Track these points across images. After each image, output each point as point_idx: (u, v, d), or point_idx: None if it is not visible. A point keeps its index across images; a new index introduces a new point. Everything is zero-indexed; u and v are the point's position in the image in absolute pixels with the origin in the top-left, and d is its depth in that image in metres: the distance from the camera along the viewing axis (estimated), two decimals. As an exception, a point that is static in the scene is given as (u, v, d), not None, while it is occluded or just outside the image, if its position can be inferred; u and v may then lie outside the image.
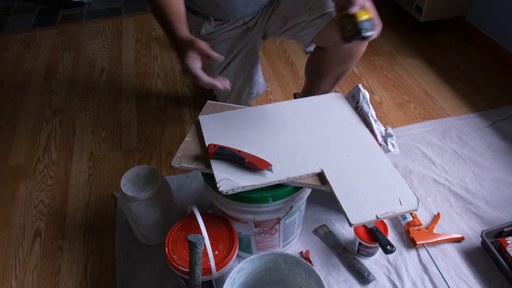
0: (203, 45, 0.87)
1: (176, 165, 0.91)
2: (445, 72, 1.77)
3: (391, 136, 0.98)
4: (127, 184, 1.04)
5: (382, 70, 1.81)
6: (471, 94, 1.65)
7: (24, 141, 1.56)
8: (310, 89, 1.40)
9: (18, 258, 1.18)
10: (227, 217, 0.99)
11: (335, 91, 1.15)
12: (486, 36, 1.81)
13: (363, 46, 1.19)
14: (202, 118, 1.02)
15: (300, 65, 1.87)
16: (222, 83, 0.88)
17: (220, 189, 0.83)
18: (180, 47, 0.89)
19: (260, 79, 1.45)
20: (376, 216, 0.78)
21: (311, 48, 1.35)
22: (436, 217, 1.19)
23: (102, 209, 1.29)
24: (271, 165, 0.87)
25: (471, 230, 1.16)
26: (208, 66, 1.35)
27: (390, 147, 0.97)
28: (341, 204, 0.80)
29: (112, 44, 2.12)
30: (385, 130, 0.99)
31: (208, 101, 1.09)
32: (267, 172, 0.86)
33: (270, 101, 1.66)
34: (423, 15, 1.89)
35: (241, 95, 1.43)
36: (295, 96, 1.61)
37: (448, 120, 1.53)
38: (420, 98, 1.65)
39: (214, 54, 0.87)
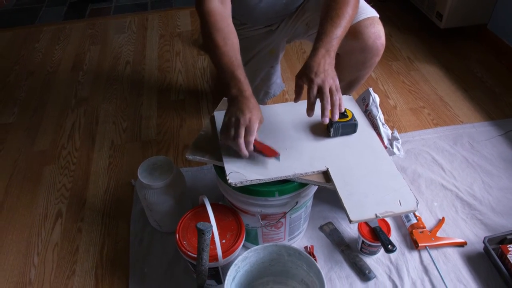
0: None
1: (190, 157, 0.97)
2: (462, 80, 1.78)
3: (397, 139, 1.01)
4: (143, 173, 1.11)
5: (398, 75, 1.83)
6: (486, 103, 1.66)
7: (50, 128, 1.65)
8: None
9: (40, 237, 1.26)
10: (236, 209, 1.04)
11: (348, 95, 1.18)
12: (507, 46, 1.81)
13: (376, 57, 1.19)
14: (216, 114, 1.07)
15: (318, 66, 1.91)
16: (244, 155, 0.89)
17: (229, 181, 0.89)
18: (250, 107, 0.88)
19: (278, 80, 1.49)
20: (376, 214, 0.82)
21: None
22: (440, 221, 1.21)
23: (120, 195, 1.36)
24: (278, 154, 0.90)
25: (475, 236, 1.19)
26: None
27: (395, 150, 1.00)
28: (343, 201, 0.84)
29: (137, 39, 2.19)
30: (392, 133, 1.03)
31: (224, 97, 1.14)
32: (274, 167, 0.91)
33: (286, 101, 1.71)
34: (444, 22, 1.90)
35: (258, 93, 1.48)
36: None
37: (461, 127, 1.55)
38: (434, 104, 1.67)
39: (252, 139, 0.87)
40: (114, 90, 1.83)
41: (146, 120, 1.66)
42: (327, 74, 0.91)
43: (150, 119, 1.66)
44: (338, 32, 0.96)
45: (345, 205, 0.84)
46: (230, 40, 0.98)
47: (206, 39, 0.99)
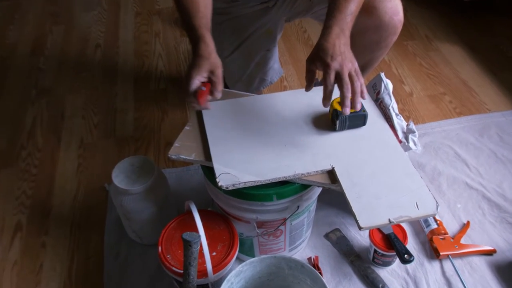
0: (220, 80, 0.96)
1: (173, 157, 0.98)
2: (490, 61, 1.80)
3: (413, 132, 1.03)
4: (119, 176, 1.11)
5: (415, 56, 1.85)
6: (518, 87, 1.68)
7: (5, 125, 1.65)
8: None
9: (-3, 253, 1.26)
10: (227, 216, 1.05)
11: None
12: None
13: (393, 36, 1.20)
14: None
15: (321, 47, 1.92)
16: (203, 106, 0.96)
17: (219, 184, 0.90)
18: (200, 58, 0.96)
19: (275, 64, 1.50)
20: (389, 220, 0.84)
21: None
22: (465, 226, 1.23)
23: (92, 203, 1.36)
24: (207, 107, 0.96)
25: (505, 242, 1.21)
26: (220, 44, 1.41)
27: (411, 144, 1.02)
28: (351, 205, 0.86)
29: (109, 17, 2.19)
30: (407, 125, 1.04)
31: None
32: (271, 167, 0.92)
33: (285, 88, 1.72)
34: (468, -7, 1.92)
35: (253, 80, 1.49)
36: (315, 83, 1.65)
37: (488, 116, 1.57)
38: (457, 90, 1.69)
39: (219, 95, 0.97)
40: (83, 79, 1.84)
41: (121, 113, 1.67)
42: (345, 57, 0.91)
43: (126, 112, 1.67)
44: (353, 7, 0.96)
45: (353, 209, 0.85)
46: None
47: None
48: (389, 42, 1.23)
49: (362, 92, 0.93)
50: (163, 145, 1.53)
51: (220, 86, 0.97)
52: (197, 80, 0.95)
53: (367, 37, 1.19)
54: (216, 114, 1.06)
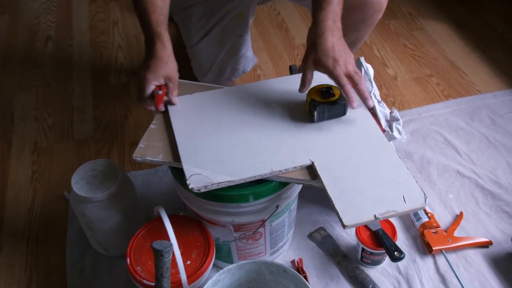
0: (175, 85, 1.05)
1: (138, 159, 0.98)
2: (478, 38, 1.84)
3: (397, 120, 1.05)
4: (79, 183, 1.11)
5: (398, 36, 1.88)
6: (509, 65, 1.72)
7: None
8: None
9: None
10: (201, 220, 1.06)
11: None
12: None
13: (379, 13, 1.24)
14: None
15: (297, 31, 1.94)
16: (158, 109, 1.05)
17: (190, 187, 0.90)
18: (156, 61, 1.02)
19: (248, 52, 1.51)
20: (375, 216, 0.86)
21: None
22: (458, 217, 1.27)
23: (50, 214, 1.35)
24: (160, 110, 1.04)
25: (501, 233, 1.24)
26: (187, 30, 1.42)
27: (395, 133, 1.04)
28: (334, 201, 0.87)
29: (60, 5, 2.17)
30: (390, 113, 1.06)
31: (178, 80, 1.15)
32: (246, 164, 0.93)
33: (258, 77, 1.73)
34: (452, -34, 1.96)
35: (224, 70, 1.49)
36: (291, 69, 1.67)
37: (478, 98, 1.61)
38: (444, 71, 1.72)
39: (176, 101, 1.06)
40: (33, 75, 1.81)
41: (79, 112, 1.66)
42: (345, 55, 0.99)
43: (85, 110, 1.66)
44: None
45: (336, 206, 0.86)
46: None
47: None
48: (375, 20, 1.26)
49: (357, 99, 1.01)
50: (128, 146, 1.53)
51: (175, 92, 1.06)
52: (153, 85, 1.02)
53: (352, 16, 1.21)
54: (183, 110, 1.07)
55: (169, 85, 1.04)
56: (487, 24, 1.90)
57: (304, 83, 1.01)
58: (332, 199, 0.88)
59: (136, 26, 2.02)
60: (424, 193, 0.89)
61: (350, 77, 0.98)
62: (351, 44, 1.34)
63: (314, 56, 0.99)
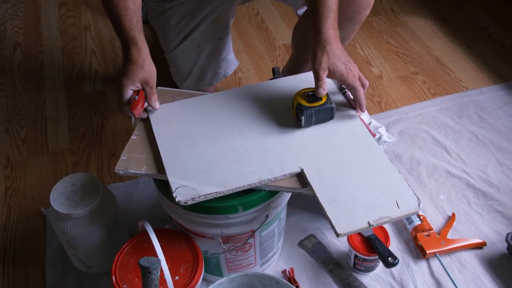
0: (154, 89, 1.05)
1: (120, 172, 0.97)
2: (462, 33, 1.87)
3: (379, 126, 1.07)
4: (59, 199, 1.10)
5: (381, 33, 1.90)
6: (495, 60, 1.75)
7: None
8: (298, 61, 1.47)
9: None
10: (188, 233, 1.06)
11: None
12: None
13: (367, 9, 1.26)
14: (151, 110, 1.08)
15: (277, 31, 1.95)
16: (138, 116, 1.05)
17: (177, 200, 0.90)
18: (132, 65, 1.03)
19: (229, 55, 1.51)
20: (368, 222, 0.87)
21: (303, 10, 1.41)
22: (450, 219, 1.29)
23: (27, 232, 1.34)
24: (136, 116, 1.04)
25: (495, 233, 1.27)
26: (164, 35, 1.41)
27: (385, 137, 1.06)
28: (326, 209, 0.88)
29: (27, 9, 2.15)
30: (369, 124, 1.08)
31: (158, 87, 1.15)
32: (233, 174, 0.94)
33: (240, 80, 1.74)
34: (433, -40, 1.99)
35: (205, 74, 1.49)
36: (274, 71, 1.68)
37: (465, 95, 1.63)
38: (430, 68, 1.75)
39: (156, 106, 1.07)
40: (2, 85, 1.79)
41: (53, 123, 1.64)
42: (352, 61, 1.05)
43: (59, 121, 1.65)
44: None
45: (328, 214, 0.87)
46: None
47: None
48: (362, 17, 1.29)
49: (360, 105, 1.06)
50: (106, 157, 1.52)
51: (154, 97, 1.06)
52: (130, 90, 1.03)
53: (340, 13, 1.22)
54: (165, 119, 1.07)
55: (147, 89, 1.04)
56: (470, 17, 1.93)
57: (322, 84, 1.03)
58: (324, 207, 0.89)
59: (109, 30, 2.01)
60: (418, 197, 0.91)
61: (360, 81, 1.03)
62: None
63: (327, 61, 1.02)
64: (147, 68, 1.03)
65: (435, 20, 1.94)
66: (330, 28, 1.04)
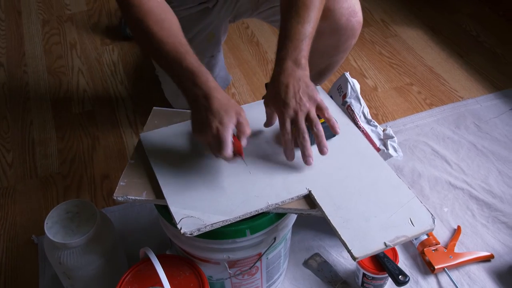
0: (247, 120, 0.92)
1: (120, 198, 0.93)
2: (454, 42, 1.87)
3: (392, 137, 1.04)
4: (54, 227, 1.05)
5: (373, 44, 1.89)
6: (488, 69, 1.76)
7: None
8: None
9: None
10: (192, 258, 1.02)
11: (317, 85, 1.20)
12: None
13: (352, 39, 1.23)
14: (144, 136, 1.04)
15: (268, 45, 1.93)
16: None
17: (182, 231, 0.86)
18: (219, 102, 0.90)
19: (222, 72, 1.50)
20: (385, 243, 0.84)
21: None
22: (456, 232, 1.27)
23: (18, 262, 1.29)
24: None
25: (502, 245, 1.25)
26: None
27: (391, 151, 1.03)
28: (339, 232, 0.85)
29: (9, 28, 2.11)
30: (383, 131, 1.05)
31: (154, 107, 1.12)
32: (239, 198, 0.90)
33: (233, 96, 1.71)
34: (421, -31, 1.99)
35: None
36: (268, 88, 1.65)
37: (461, 105, 1.63)
38: (424, 78, 1.74)
39: (245, 142, 0.92)
40: (-15, 108, 1.75)
41: (41, 146, 1.60)
42: (300, 99, 0.93)
43: (47, 143, 1.61)
44: (308, 29, 0.97)
45: (343, 237, 0.84)
46: (166, 22, 0.98)
47: (134, 28, 1.00)
48: (348, 46, 1.26)
49: (333, 128, 0.95)
50: (99, 179, 1.48)
51: (249, 129, 0.92)
52: (231, 129, 0.89)
53: (322, 41, 1.20)
54: (160, 143, 1.02)
55: (242, 122, 0.91)
56: (460, 27, 1.94)
57: (268, 117, 0.99)
58: (337, 229, 0.86)
59: (95, 47, 1.97)
60: (431, 213, 0.88)
61: (309, 119, 0.93)
62: (326, 69, 1.35)
63: (268, 92, 0.97)
64: (233, 102, 0.93)
65: (426, 30, 1.94)
66: (286, 57, 0.96)
